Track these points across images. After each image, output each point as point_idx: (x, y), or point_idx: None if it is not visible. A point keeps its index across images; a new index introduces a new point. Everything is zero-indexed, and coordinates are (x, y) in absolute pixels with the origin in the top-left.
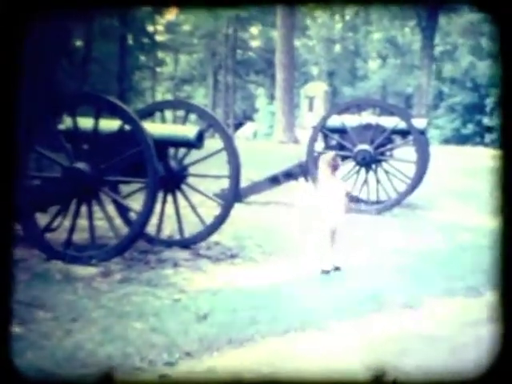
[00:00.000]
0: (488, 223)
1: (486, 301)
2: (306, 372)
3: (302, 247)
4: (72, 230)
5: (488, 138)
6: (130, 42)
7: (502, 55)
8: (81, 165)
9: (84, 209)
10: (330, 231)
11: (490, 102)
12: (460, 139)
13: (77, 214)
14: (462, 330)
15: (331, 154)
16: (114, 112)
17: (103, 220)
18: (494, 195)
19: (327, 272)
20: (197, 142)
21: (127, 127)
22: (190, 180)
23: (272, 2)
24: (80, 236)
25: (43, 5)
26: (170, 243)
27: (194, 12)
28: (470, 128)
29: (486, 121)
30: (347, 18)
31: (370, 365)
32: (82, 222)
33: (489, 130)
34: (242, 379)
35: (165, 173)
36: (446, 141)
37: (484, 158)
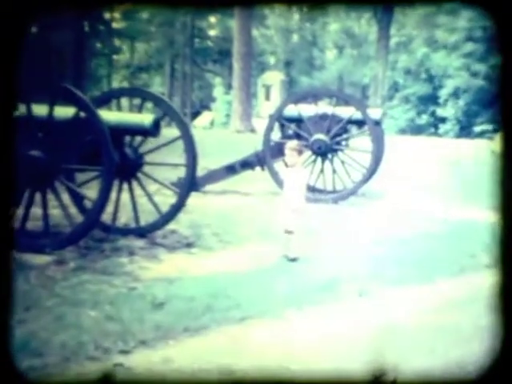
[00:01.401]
0: (441, 211)
1: (439, 289)
2: (305, 372)
3: (263, 235)
4: (25, 218)
5: (442, 128)
6: (86, 28)
7: (502, 53)
8: (35, 152)
9: (38, 197)
10: (296, 217)
11: (443, 93)
12: (414, 129)
13: (30, 203)
14: (419, 317)
15: (296, 141)
16: (69, 99)
17: (58, 208)
18: (451, 184)
19: (294, 259)
20: (153, 130)
21: (82, 114)
22: (146, 168)
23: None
24: (34, 224)
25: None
26: (125, 232)
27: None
28: (424, 118)
29: (440, 111)
30: (304, 8)
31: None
32: (36, 211)
33: (443, 120)
34: (242, 379)
35: (120, 161)
36: (401, 131)
37: (438, 148)
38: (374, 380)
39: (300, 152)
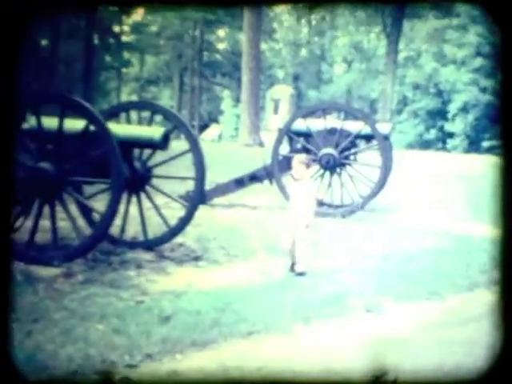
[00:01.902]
0: (451, 227)
1: (448, 305)
2: (305, 373)
3: (270, 249)
4: (34, 230)
5: (450, 143)
6: (96, 41)
7: (503, 56)
8: (45, 165)
9: (46, 209)
10: (304, 231)
11: (452, 108)
12: (423, 144)
13: (39, 215)
14: (424, 333)
15: (304, 155)
16: (78, 112)
17: (66, 221)
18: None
19: (302, 274)
20: (162, 143)
21: (92, 127)
22: (155, 181)
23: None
24: (42, 236)
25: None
26: (133, 245)
27: (160, 13)
28: (432, 133)
29: (449, 126)
30: (314, 22)
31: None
32: (45, 223)
33: (451, 135)
34: (242, 379)
35: (129, 174)
36: (410, 145)
37: (446, 163)
38: (374, 380)
39: (307, 166)
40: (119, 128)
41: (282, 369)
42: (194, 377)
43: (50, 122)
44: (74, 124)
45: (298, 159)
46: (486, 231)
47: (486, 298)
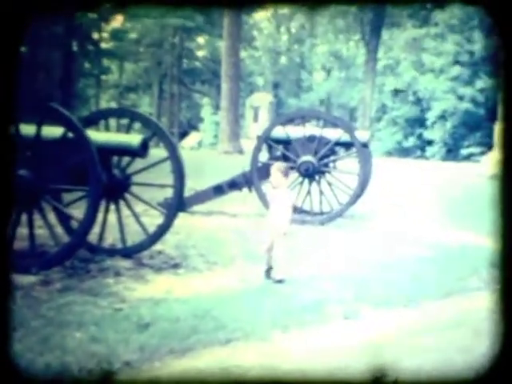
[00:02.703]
0: (429, 235)
1: (424, 311)
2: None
3: (250, 256)
4: (12, 238)
5: (429, 151)
6: (75, 48)
7: (503, 53)
8: (22, 172)
9: (24, 217)
10: (282, 239)
11: (431, 116)
12: (401, 152)
13: (17, 222)
14: (404, 339)
15: (282, 163)
16: (56, 119)
17: (44, 228)
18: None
19: (281, 281)
20: (141, 151)
21: (70, 134)
22: (134, 189)
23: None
24: (19, 244)
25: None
26: (112, 252)
27: (140, 20)
28: (411, 141)
29: (427, 134)
30: (293, 30)
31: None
32: (22, 231)
33: (429, 143)
34: (242, 379)
35: (108, 181)
36: (388, 153)
37: (424, 171)
38: (374, 380)
39: (285, 174)
40: (98, 135)
41: (260, 376)
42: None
43: (28, 129)
44: (53, 131)
45: (276, 167)
46: (463, 238)
47: (462, 305)
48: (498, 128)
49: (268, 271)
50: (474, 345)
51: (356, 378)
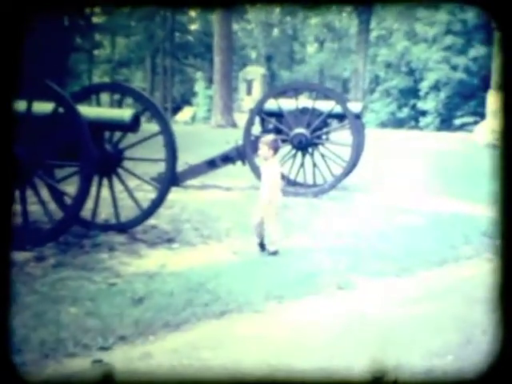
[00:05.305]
0: (422, 204)
1: (419, 280)
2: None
3: (243, 229)
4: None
5: (423, 121)
6: (66, 23)
7: (503, 53)
8: (15, 148)
9: (16, 193)
10: (274, 211)
11: (424, 86)
12: (395, 123)
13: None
14: (395, 310)
15: (271, 136)
16: (47, 94)
17: (37, 204)
18: (430, 176)
19: (274, 253)
20: (132, 125)
21: (61, 110)
22: (127, 164)
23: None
24: (13, 221)
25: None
26: (105, 227)
27: None
28: (404, 112)
29: (421, 104)
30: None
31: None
32: (15, 207)
33: (423, 113)
34: (242, 379)
35: (100, 156)
36: (382, 124)
37: (418, 141)
38: (374, 381)
39: (272, 147)
40: (89, 110)
41: (255, 348)
42: (167, 358)
43: (19, 105)
44: (44, 107)
45: (263, 140)
46: (456, 207)
47: (455, 273)
48: (490, 97)
49: (261, 244)
50: (468, 312)
51: (356, 378)
